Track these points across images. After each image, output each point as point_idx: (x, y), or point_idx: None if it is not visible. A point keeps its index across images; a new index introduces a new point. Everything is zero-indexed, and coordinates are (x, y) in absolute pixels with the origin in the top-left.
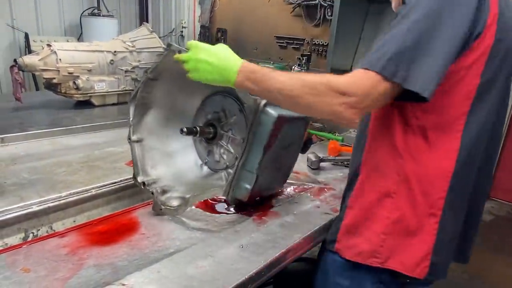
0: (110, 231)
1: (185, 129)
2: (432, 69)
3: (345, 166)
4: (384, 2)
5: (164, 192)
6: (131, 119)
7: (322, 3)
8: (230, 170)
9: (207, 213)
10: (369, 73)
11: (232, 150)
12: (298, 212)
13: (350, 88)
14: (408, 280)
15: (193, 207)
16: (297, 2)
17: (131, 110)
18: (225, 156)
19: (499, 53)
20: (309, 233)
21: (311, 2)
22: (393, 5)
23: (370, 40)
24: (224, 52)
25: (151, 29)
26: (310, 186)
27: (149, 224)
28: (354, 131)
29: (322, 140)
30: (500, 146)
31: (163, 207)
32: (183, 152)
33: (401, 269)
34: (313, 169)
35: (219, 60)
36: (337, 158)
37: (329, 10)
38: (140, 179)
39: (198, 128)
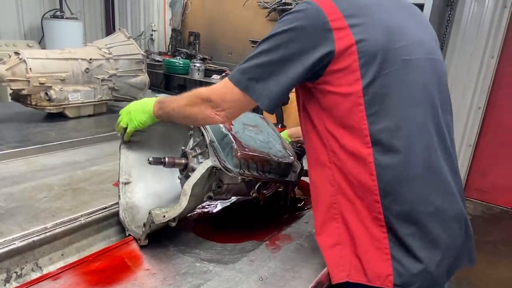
0: (110, 269)
1: (151, 159)
2: (273, 88)
3: None
4: None
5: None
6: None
7: None
8: None
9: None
10: (226, 82)
11: None
12: (311, 234)
13: (211, 94)
14: None
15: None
16: (273, 7)
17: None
18: None
19: (369, 52)
20: None
21: (286, 7)
22: None
23: None
24: (143, 99)
25: (128, 34)
26: None
27: (152, 257)
28: None
29: None
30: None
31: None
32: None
33: (365, 281)
34: None
35: (141, 103)
36: None
37: None
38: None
39: (167, 159)
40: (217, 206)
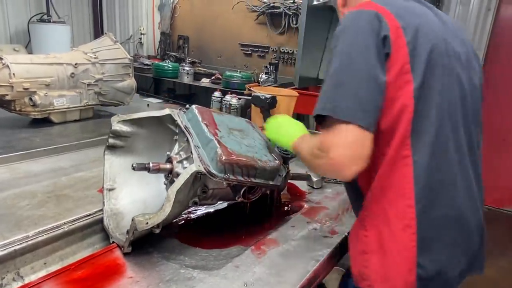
0: (93, 277)
1: (135, 165)
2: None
3: (337, 183)
4: None
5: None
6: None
7: (287, 11)
8: None
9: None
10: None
11: None
12: (297, 238)
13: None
14: None
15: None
16: (261, 10)
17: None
18: None
19: (421, 58)
20: (316, 264)
21: (275, 10)
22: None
23: None
24: (287, 125)
25: (114, 39)
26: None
27: (136, 265)
28: None
29: None
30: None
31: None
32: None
33: None
34: (316, 188)
35: (286, 133)
36: None
37: (293, 18)
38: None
39: (151, 164)
40: (203, 211)
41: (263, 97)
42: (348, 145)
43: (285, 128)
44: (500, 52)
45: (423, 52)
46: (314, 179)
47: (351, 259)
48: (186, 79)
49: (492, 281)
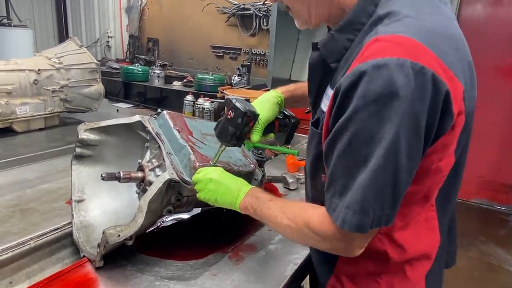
0: None
1: (104, 174)
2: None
3: None
4: None
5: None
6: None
7: (257, 13)
8: None
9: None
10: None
11: None
12: (274, 242)
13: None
14: None
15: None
16: (232, 12)
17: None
18: None
19: (468, 119)
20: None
21: (245, 12)
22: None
23: (305, 50)
24: (221, 176)
25: (80, 43)
26: None
27: (109, 279)
28: (305, 142)
29: (277, 155)
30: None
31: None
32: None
33: None
34: (291, 190)
35: (226, 188)
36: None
37: (264, 20)
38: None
39: (122, 173)
40: (178, 219)
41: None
42: (364, 242)
43: (226, 185)
44: None
45: (470, 112)
46: (290, 180)
47: None
48: (157, 83)
49: (463, 271)
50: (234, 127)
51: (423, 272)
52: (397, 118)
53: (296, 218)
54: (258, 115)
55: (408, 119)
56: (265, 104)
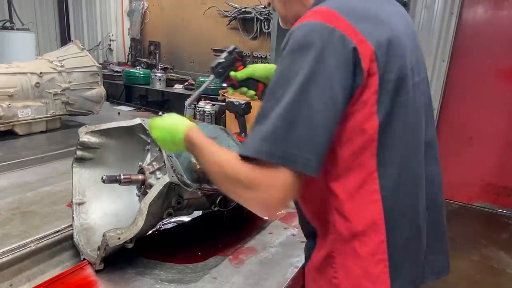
0: None
1: (105, 177)
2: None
3: None
4: None
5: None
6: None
7: (258, 16)
8: None
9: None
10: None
11: None
12: (275, 245)
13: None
14: None
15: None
16: (233, 15)
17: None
18: None
19: (390, 83)
20: (295, 270)
21: (247, 16)
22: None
23: None
24: (167, 122)
25: (81, 46)
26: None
27: (109, 282)
28: None
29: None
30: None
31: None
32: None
33: None
34: None
35: (169, 132)
36: None
37: (265, 23)
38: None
39: (122, 176)
40: (179, 222)
41: (237, 103)
42: (283, 189)
43: (171, 121)
44: (464, 54)
45: (391, 77)
46: None
47: None
48: (159, 86)
49: (465, 274)
50: (223, 59)
51: (373, 247)
52: (309, 65)
53: (227, 162)
54: (245, 58)
55: (319, 67)
56: (260, 65)
